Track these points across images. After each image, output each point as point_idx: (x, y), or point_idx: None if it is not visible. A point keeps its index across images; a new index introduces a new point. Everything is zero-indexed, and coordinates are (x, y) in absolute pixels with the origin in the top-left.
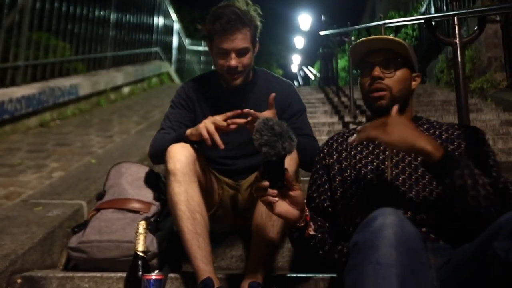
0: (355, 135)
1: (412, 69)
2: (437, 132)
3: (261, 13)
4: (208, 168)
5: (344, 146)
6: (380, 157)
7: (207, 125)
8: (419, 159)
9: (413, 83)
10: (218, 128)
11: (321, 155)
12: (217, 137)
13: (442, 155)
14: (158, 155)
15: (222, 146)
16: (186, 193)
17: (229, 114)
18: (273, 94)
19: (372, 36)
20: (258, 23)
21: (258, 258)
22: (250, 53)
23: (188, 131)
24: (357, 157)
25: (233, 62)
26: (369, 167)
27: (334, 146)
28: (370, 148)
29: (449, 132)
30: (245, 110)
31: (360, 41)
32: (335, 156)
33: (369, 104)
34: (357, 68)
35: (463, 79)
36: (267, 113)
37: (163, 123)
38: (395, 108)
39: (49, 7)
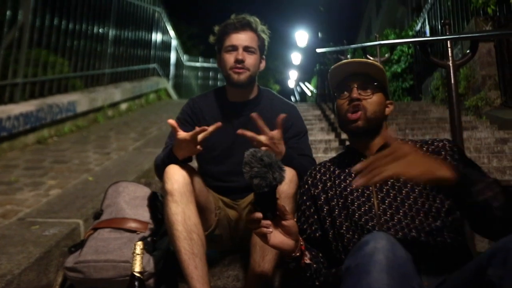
0: (360, 179)
1: (386, 95)
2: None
3: (268, 33)
4: (206, 187)
5: (327, 176)
6: None
7: (180, 140)
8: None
9: (387, 109)
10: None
11: (306, 186)
12: (197, 131)
13: (458, 176)
14: (157, 173)
15: (217, 125)
16: (183, 213)
17: (197, 130)
18: (282, 115)
19: (352, 59)
20: (265, 38)
21: (256, 278)
22: (257, 57)
23: (174, 150)
24: (342, 185)
25: (240, 56)
26: (355, 193)
27: (318, 176)
28: (353, 175)
29: (424, 149)
30: (239, 131)
31: (341, 63)
32: (320, 187)
33: (345, 126)
34: (335, 91)
35: (457, 100)
36: (275, 133)
37: (167, 140)
38: (390, 130)
39: (49, 24)
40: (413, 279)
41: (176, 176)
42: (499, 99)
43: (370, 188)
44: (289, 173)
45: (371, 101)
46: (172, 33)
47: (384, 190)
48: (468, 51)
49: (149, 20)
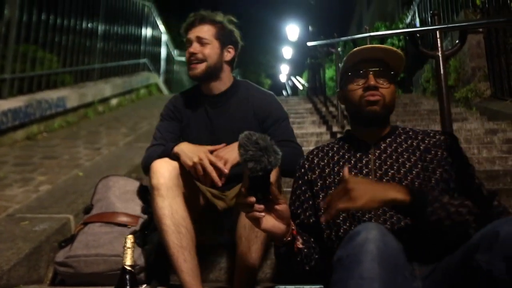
0: (324, 215)
1: (396, 84)
2: (414, 143)
3: (235, 21)
4: (192, 181)
5: (325, 161)
6: (364, 172)
7: (204, 163)
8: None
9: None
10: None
11: (302, 170)
12: (214, 175)
13: (411, 198)
14: (148, 169)
15: (219, 184)
16: (170, 207)
17: (218, 146)
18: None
19: (373, 45)
20: (230, 27)
21: (244, 270)
22: (213, 46)
23: (177, 149)
24: (340, 173)
25: (192, 49)
26: None
27: (315, 161)
28: (353, 162)
29: (426, 141)
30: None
31: (360, 49)
32: (317, 172)
33: (359, 109)
34: (346, 75)
35: (446, 91)
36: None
37: (154, 136)
38: (346, 170)
39: (36, 19)
40: (405, 268)
41: (161, 170)
42: (489, 90)
43: (370, 177)
44: None
45: (388, 90)
46: (162, 27)
47: (384, 181)
48: (457, 41)
49: (139, 14)
